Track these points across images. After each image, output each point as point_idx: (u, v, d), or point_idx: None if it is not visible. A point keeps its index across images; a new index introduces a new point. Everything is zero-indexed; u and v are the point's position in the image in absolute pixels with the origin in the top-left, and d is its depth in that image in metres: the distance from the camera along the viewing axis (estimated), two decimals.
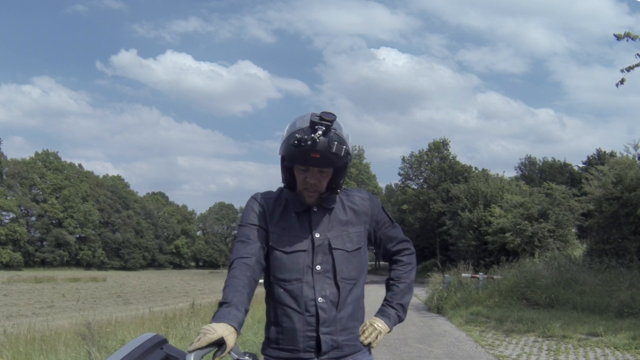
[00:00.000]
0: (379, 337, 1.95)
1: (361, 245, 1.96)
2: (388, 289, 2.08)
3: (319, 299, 1.84)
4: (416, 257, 2.16)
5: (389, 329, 1.99)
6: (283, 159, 1.90)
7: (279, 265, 1.88)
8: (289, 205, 1.95)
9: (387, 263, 2.13)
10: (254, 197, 1.99)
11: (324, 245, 1.89)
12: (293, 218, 1.92)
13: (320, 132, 1.74)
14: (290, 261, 1.87)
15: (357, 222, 1.97)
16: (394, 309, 2.03)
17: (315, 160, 1.78)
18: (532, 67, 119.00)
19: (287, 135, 1.83)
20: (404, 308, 2.05)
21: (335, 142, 1.76)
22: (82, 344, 6.50)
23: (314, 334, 1.84)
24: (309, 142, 1.73)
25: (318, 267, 1.87)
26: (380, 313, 2.02)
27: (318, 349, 1.84)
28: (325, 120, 1.75)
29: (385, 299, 2.07)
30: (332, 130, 1.77)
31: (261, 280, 1.94)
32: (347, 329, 1.88)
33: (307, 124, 1.77)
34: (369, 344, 1.94)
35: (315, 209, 1.93)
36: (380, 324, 1.97)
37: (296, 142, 1.75)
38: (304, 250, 1.88)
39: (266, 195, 1.99)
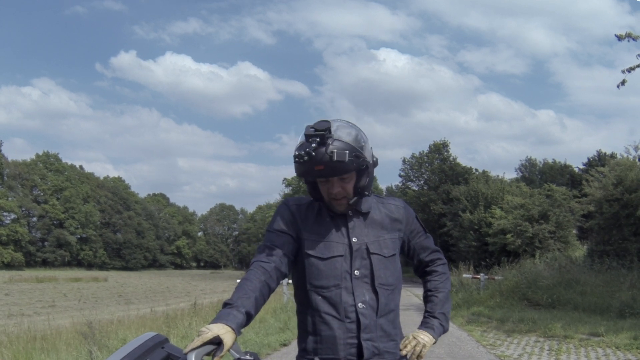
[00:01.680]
0: (423, 350, 1.87)
1: (396, 251, 1.91)
2: (428, 300, 2.02)
3: (359, 304, 1.80)
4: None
5: (434, 340, 1.92)
6: None
7: (316, 272, 1.83)
8: (322, 210, 1.89)
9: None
10: (285, 203, 1.95)
11: (362, 250, 1.84)
12: (328, 223, 1.87)
13: (314, 144, 1.69)
14: (327, 267, 1.82)
15: (392, 228, 1.92)
16: (436, 319, 1.95)
17: (322, 172, 1.74)
18: (533, 68, 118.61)
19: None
20: (446, 317, 1.98)
21: (335, 150, 1.70)
22: (84, 343, 6.51)
23: (355, 341, 1.79)
24: (306, 158, 1.70)
25: (356, 272, 1.82)
26: (424, 325, 1.94)
27: (359, 356, 1.79)
28: (319, 130, 1.70)
29: (426, 311, 2.00)
30: (329, 137, 1.71)
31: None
32: (387, 335, 1.84)
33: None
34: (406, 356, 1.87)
35: (350, 213, 1.88)
36: (424, 337, 1.90)
37: (297, 160, 1.72)
38: (341, 256, 1.83)
39: (298, 202, 1.94)
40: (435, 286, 2.02)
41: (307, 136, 1.72)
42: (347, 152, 1.72)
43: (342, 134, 1.75)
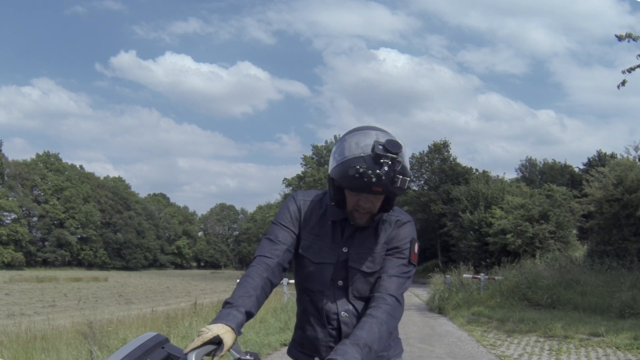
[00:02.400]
0: None
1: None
2: (357, 327, 1.65)
3: (342, 313, 1.80)
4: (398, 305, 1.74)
5: None
6: (333, 179, 1.70)
7: (307, 275, 1.84)
8: (327, 212, 1.84)
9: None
10: (293, 197, 1.90)
11: (344, 261, 1.80)
12: (328, 227, 1.82)
13: (386, 167, 1.57)
14: (316, 272, 1.81)
15: (387, 243, 1.85)
16: (358, 349, 1.56)
17: (376, 193, 1.63)
18: (533, 67, 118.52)
19: (341, 158, 1.64)
20: (371, 351, 1.59)
21: (400, 177, 1.59)
22: (84, 343, 6.50)
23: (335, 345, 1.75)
24: (374, 179, 1.57)
25: (340, 282, 1.81)
26: (341, 354, 1.53)
27: None
28: (391, 153, 1.58)
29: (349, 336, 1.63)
30: (398, 162, 1.59)
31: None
32: None
33: (368, 149, 1.60)
34: None
35: (351, 222, 1.79)
36: None
37: (357, 175, 1.58)
38: (331, 263, 1.80)
39: (306, 197, 1.88)
40: (372, 314, 1.68)
41: (378, 156, 1.58)
42: (408, 179, 1.62)
43: (404, 157, 1.64)
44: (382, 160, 1.57)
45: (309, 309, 1.84)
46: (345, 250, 1.81)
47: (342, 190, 1.71)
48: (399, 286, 1.76)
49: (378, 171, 1.57)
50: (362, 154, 1.60)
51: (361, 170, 1.57)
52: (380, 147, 1.59)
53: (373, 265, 1.80)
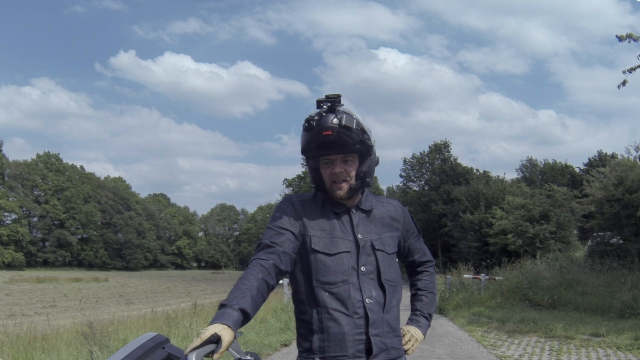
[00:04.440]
0: (414, 345, 2.01)
1: (395, 250, 1.96)
2: (417, 299, 2.13)
3: (367, 300, 1.81)
4: None
5: (423, 337, 2.06)
6: (308, 159, 1.89)
7: (323, 268, 1.82)
8: (326, 206, 1.90)
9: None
10: (288, 200, 1.93)
11: (367, 247, 1.86)
12: (332, 218, 1.88)
13: (325, 106, 1.77)
14: (335, 263, 1.82)
15: (392, 227, 1.96)
16: (425, 319, 2.10)
17: (330, 140, 1.77)
18: (533, 67, 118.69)
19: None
20: (431, 317, 2.13)
21: (344, 115, 1.77)
22: (84, 343, 6.51)
23: (364, 337, 1.79)
24: (316, 118, 1.76)
25: (363, 268, 1.83)
26: (415, 323, 2.07)
27: (367, 353, 1.80)
28: (331, 98, 1.78)
29: (416, 309, 2.12)
30: (340, 105, 1.80)
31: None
32: (393, 330, 1.87)
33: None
34: (406, 350, 1.98)
35: (354, 210, 1.90)
36: (416, 332, 2.04)
37: (306, 124, 1.79)
38: (348, 252, 1.84)
39: (301, 198, 1.94)
40: (426, 286, 2.14)
41: (319, 102, 1.79)
42: (355, 120, 1.78)
43: (349, 108, 1.82)
44: (322, 104, 1.79)
45: (330, 304, 1.80)
46: (361, 236, 1.87)
47: (318, 171, 1.88)
48: (427, 253, 2.15)
49: (319, 110, 1.78)
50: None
51: (307, 118, 1.79)
52: (321, 98, 1.81)
53: (390, 248, 1.93)
